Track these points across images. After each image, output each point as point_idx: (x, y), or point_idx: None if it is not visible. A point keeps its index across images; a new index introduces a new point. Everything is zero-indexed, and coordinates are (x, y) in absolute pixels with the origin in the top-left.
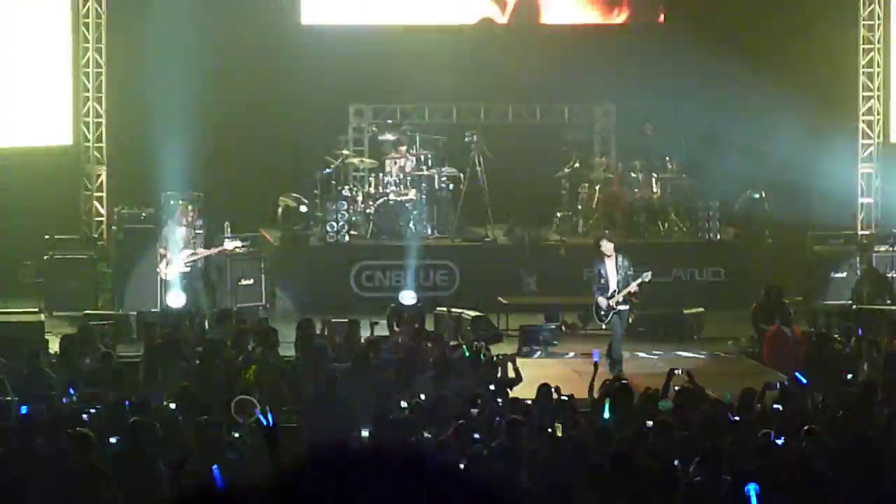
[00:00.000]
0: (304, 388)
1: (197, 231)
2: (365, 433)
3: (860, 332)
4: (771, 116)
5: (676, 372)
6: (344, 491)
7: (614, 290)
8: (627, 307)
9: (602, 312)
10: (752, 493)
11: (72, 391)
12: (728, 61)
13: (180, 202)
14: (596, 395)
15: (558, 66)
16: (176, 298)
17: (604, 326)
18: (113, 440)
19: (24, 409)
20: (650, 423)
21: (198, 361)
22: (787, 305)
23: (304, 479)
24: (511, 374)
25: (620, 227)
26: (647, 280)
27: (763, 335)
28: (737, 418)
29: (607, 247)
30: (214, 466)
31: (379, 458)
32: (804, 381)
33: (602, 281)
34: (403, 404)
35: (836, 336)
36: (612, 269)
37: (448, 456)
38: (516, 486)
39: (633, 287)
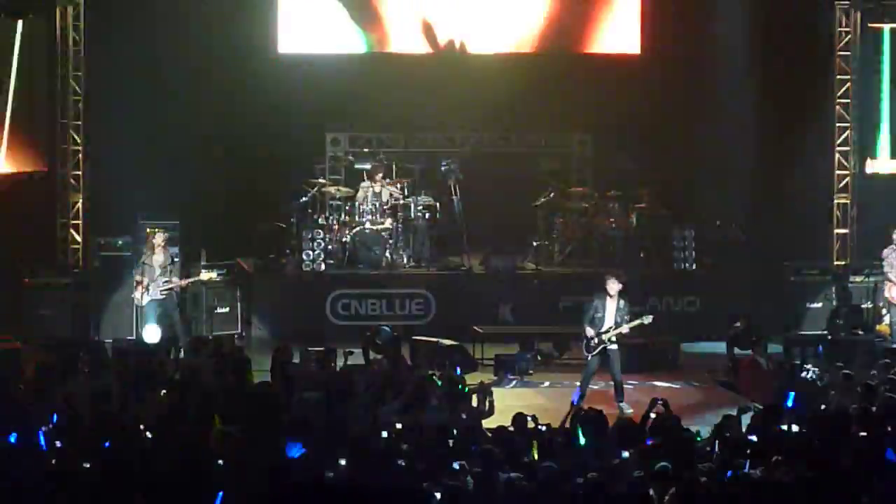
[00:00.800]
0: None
1: (174, 259)
2: (342, 462)
3: (834, 361)
4: (748, 145)
5: (659, 402)
6: None
7: (610, 327)
8: (616, 347)
9: (592, 344)
10: None
11: (55, 417)
12: (705, 92)
13: (148, 229)
14: (568, 426)
15: (535, 95)
16: (152, 333)
17: (588, 357)
18: (87, 465)
19: (12, 439)
20: (626, 453)
21: (172, 391)
22: (763, 335)
23: None
24: (486, 405)
25: (596, 256)
26: (646, 323)
27: (739, 364)
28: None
29: (613, 287)
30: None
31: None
32: (791, 404)
33: (597, 315)
34: (384, 434)
35: (809, 366)
36: (610, 309)
37: (423, 485)
38: None
39: (626, 329)
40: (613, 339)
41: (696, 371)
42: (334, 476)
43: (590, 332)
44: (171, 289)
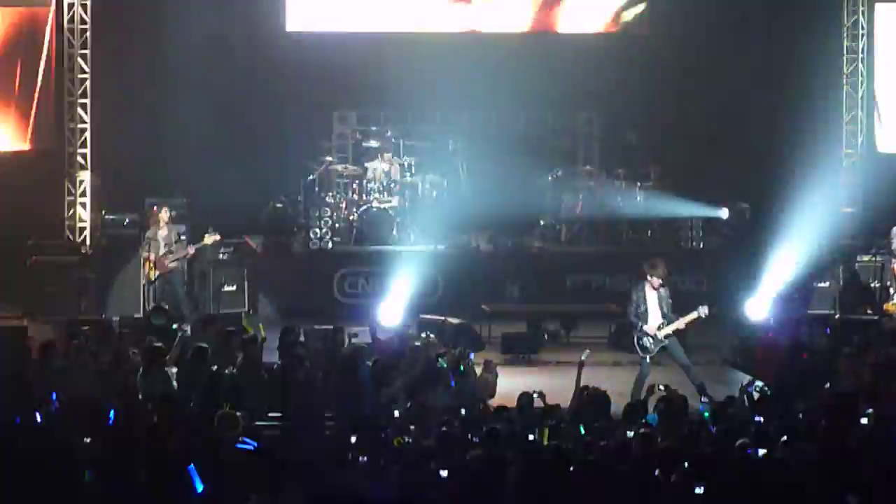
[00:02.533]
0: (289, 397)
1: (181, 236)
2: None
3: (842, 341)
4: (756, 125)
5: (660, 388)
6: None
7: (662, 323)
8: (667, 341)
9: (648, 344)
10: None
11: (54, 396)
12: (712, 71)
13: (155, 206)
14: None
15: (543, 74)
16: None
17: (652, 353)
18: (88, 440)
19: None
20: (630, 433)
21: (180, 368)
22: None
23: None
24: (491, 383)
25: (603, 235)
26: (702, 316)
27: (755, 345)
28: (715, 428)
29: (656, 281)
30: (191, 466)
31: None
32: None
33: (641, 308)
34: (396, 413)
35: (815, 345)
36: (653, 301)
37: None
38: (497, 495)
39: (682, 324)
40: (671, 332)
41: (703, 350)
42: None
43: (648, 329)
44: (177, 260)
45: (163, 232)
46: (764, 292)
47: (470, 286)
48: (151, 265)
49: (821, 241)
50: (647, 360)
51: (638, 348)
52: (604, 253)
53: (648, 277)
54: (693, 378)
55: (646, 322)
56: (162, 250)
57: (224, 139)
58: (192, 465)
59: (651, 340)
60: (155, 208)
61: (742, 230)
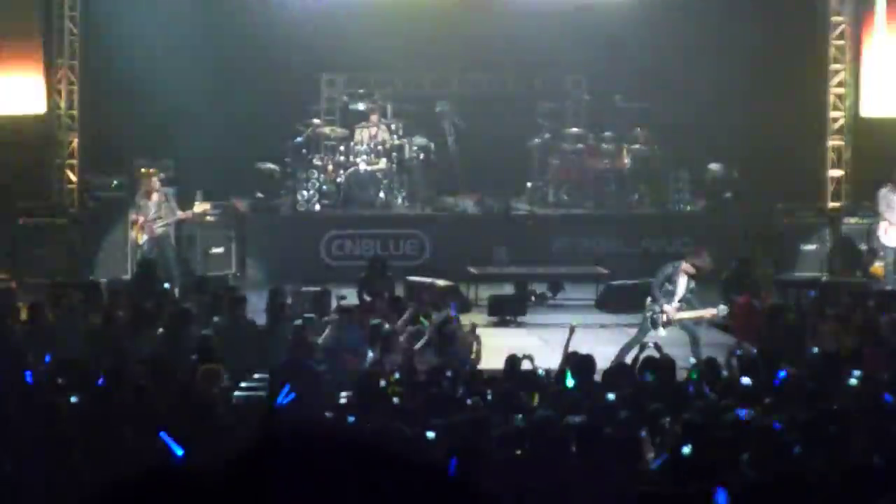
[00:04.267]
0: (274, 357)
1: (168, 197)
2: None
3: (828, 303)
4: (742, 87)
5: (650, 345)
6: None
7: (681, 307)
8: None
9: (661, 320)
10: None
11: (48, 359)
12: (699, 34)
13: (143, 168)
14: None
15: (530, 36)
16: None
17: (662, 333)
18: (74, 399)
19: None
20: (611, 395)
21: (166, 330)
22: (758, 277)
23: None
24: (473, 347)
25: (591, 198)
26: (720, 315)
27: (733, 306)
28: (703, 390)
29: (692, 269)
30: (162, 433)
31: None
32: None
33: (669, 287)
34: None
35: (795, 307)
36: (682, 285)
37: (416, 426)
38: (482, 458)
39: (697, 315)
40: (686, 317)
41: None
42: (331, 418)
43: (667, 309)
44: (166, 224)
45: (154, 197)
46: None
47: (457, 248)
48: (140, 229)
49: (807, 203)
50: (646, 334)
51: (648, 321)
52: (590, 215)
53: (687, 258)
54: (696, 353)
55: (668, 302)
56: (152, 215)
57: (212, 101)
58: (162, 431)
59: (664, 319)
60: (143, 170)
61: (729, 192)
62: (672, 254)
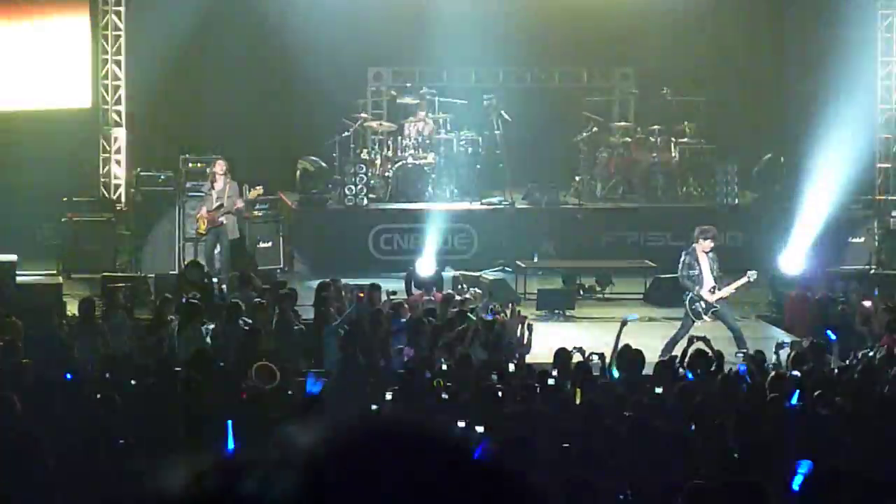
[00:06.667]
0: (321, 353)
1: (229, 194)
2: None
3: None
4: (790, 80)
5: (698, 338)
6: (367, 469)
7: (713, 287)
8: (718, 306)
9: (700, 308)
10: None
11: (96, 354)
12: (748, 28)
13: (215, 156)
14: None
15: (579, 30)
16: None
17: (706, 319)
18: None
19: (69, 376)
20: (660, 389)
21: (217, 325)
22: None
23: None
24: (525, 337)
25: (638, 191)
26: (751, 280)
27: (785, 299)
28: (751, 382)
29: (708, 245)
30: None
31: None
32: (833, 337)
33: (695, 271)
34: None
35: (844, 300)
36: (705, 264)
37: (467, 420)
38: (532, 450)
39: (733, 289)
40: (725, 295)
41: (738, 306)
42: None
43: (704, 293)
44: (228, 214)
45: (218, 185)
46: (797, 247)
47: (505, 242)
48: (203, 219)
49: (855, 196)
50: (692, 323)
51: (690, 312)
52: (638, 209)
53: (699, 241)
54: (740, 345)
55: (700, 285)
56: (214, 204)
57: (259, 96)
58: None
59: (703, 305)
60: (214, 159)
61: (777, 184)
62: (720, 247)
